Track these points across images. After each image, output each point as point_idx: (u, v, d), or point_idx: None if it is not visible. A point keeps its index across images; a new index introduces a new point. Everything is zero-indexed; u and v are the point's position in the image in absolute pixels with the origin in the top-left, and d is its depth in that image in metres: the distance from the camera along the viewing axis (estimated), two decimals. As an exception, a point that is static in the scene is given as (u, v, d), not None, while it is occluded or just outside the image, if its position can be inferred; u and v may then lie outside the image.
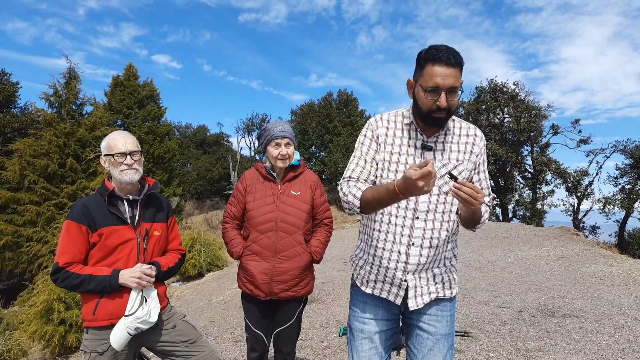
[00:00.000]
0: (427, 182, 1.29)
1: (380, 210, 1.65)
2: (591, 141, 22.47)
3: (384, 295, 1.71)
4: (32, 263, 10.45)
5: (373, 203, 1.52)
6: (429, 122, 1.59)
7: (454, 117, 1.71)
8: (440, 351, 1.70)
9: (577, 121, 22.91)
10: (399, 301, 1.69)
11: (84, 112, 12.89)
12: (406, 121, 1.69)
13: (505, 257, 8.06)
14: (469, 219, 1.59)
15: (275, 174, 2.49)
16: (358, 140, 1.76)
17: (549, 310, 4.50)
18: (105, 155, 2.05)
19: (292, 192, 2.46)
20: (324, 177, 29.22)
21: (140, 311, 1.96)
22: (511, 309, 4.61)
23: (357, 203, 1.58)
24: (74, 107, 12.36)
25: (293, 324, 2.48)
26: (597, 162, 22.27)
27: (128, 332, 1.92)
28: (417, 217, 1.63)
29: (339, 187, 1.72)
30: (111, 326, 1.95)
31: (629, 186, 21.09)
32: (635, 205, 20.55)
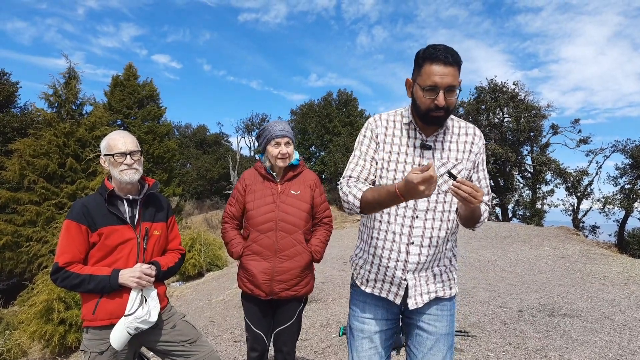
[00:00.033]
0: (428, 186, 1.30)
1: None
2: (591, 141, 22.50)
3: (383, 295, 1.71)
4: (32, 263, 10.45)
5: (373, 204, 1.53)
6: (427, 121, 1.60)
7: (452, 116, 1.72)
8: (440, 351, 1.71)
9: (576, 121, 22.93)
10: (398, 300, 1.69)
11: (84, 112, 12.91)
12: (405, 120, 1.70)
13: (505, 256, 8.06)
14: (469, 218, 1.59)
15: (274, 174, 2.49)
16: (357, 139, 1.77)
17: (548, 310, 4.50)
18: (105, 155, 2.05)
19: (292, 192, 2.46)
20: (323, 177, 29.22)
21: (140, 311, 1.96)
22: (511, 309, 4.61)
23: (357, 203, 1.58)
24: (73, 107, 12.36)
25: (293, 324, 2.48)
26: (597, 162, 22.30)
27: (128, 332, 1.92)
28: (417, 216, 1.63)
29: (339, 187, 1.72)
30: (111, 326, 1.94)
31: (628, 186, 21.10)
32: (635, 205, 20.56)
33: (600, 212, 21.60)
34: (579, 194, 22.34)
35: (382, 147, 1.69)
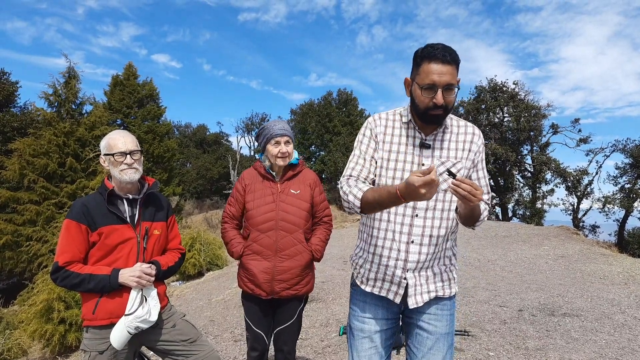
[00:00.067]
0: (429, 189, 1.31)
1: None
2: (591, 140, 22.49)
3: (383, 294, 1.71)
4: (32, 262, 10.46)
5: (373, 204, 1.54)
6: (426, 119, 1.60)
7: (452, 115, 1.73)
8: (440, 350, 1.71)
9: (576, 120, 22.93)
10: (398, 299, 1.69)
11: (84, 111, 12.91)
12: (404, 120, 1.70)
13: (505, 256, 8.06)
14: (468, 217, 1.59)
15: (274, 173, 2.49)
16: (357, 139, 1.77)
17: (548, 309, 4.50)
18: (105, 154, 2.05)
19: (292, 191, 2.46)
20: (323, 177, 29.21)
21: (140, 310, 1.96)
22: (511, 308, 4.61)
23: (358, 203, 1.59)
24: (73, 106, 12.36)
25: (294, 323, 2.48)
26: (597, 162, 22.31)
27: (128, 331, 1.92)
28: (417, 215, 1.64)
29: (339, 186, 1.72)
30: (111, 325, 1.94)
31: (628, 185, 21.10)
32: (635, 204, 20.56)
33: (600, 212, 21.61)
34: (579, 194, 22.34)
35: (382, 146, 1.69)
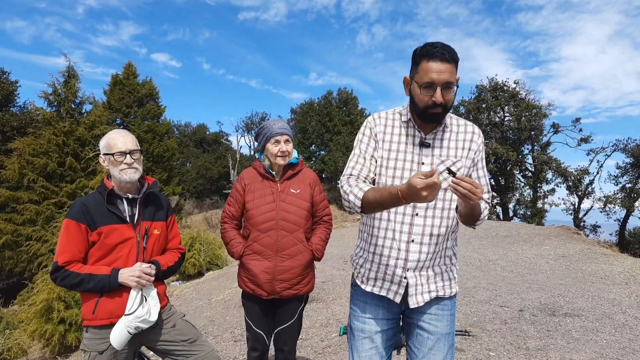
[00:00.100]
0: (430, 192, 1.31)
1: None
2: (592, 140, 22.51)
3: (383, 293, 1.71)
4: (32, 262, 10.46)
5: (374, 204, 1.54)
6: (425, 118, 1.60)
7: (451, 115, 1.73)
8: (441, 350, 1.70)
9: (577, 120, 22.94)
10: (398, 299, 1.68)
11: (83, 110, 12.90)
12: (404, 119, 1.70)
13: (505, 256, 8.05)
14: (469, 215, 1.59)
15: (274, 173, 2.48)
16: (357, 138, 1.77)
17: (549, 309, 4.49)
18: (105, 154, 2.04)
19: (292, 191, 2.45)
20: (324, 176, 29.22)
21: (140, 310, 1.95)
22: (512, 308, 4.60)
23: (358, 203, 1.58)
24: (73, 105, 12.36)
25: (294, 323, 2.48)
26: (598, 161, 22.30)
27: (128, 331, 1.92)
28: (417, 214, 1.63)
29: (339, 185, 1.72)
30: (111, 325, 1.94)
31: (629, 185, 21.09)
32: (636, 204, 20.56)
33: (601, 212, 21.61)
34: (579, 193, 22.34)
35: (381, 145, 1.69)
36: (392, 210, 1.65)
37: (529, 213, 22.65)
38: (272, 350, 2.61)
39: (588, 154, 22.49)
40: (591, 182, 22.17)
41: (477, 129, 1.73)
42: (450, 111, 1.68)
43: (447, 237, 1.69)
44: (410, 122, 1.68)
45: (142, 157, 2.12)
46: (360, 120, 30.55)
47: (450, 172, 1.44)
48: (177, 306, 5.89)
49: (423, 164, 1.65)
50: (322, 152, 31.21)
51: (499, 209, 24.00)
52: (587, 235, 18.37)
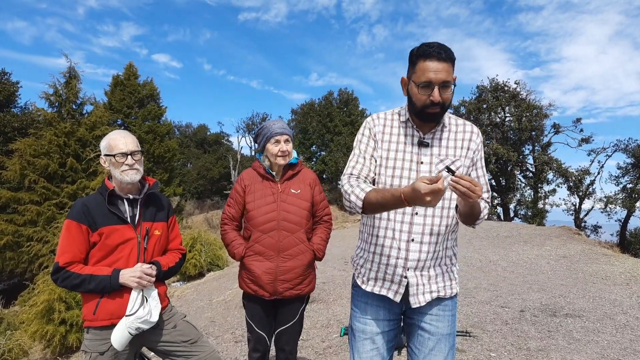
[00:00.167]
0: (434, 197, 1.32)
1: None
2: (592, 140, 22.49)
3: (383, 293, 1.71)
4: (33, 263, 10.45)
5: (376, 205, 1.54)
6: (423, 117, 1.61)
7: (450, 114, 1.73)
8: (442, 351, 1.70)
9: (578, 120, 22.92)
10: (398, 298, 1.68)
11: (84, 111, 12.91)
12: (402, 119, 1.71)
13: (506, 256, 8.05)
14: (468, 214, 1.59)
15: (274, 173, 2.48)
16: (356, 138, 1.78)
17: (550, 310, 4.49)
18: (106, 155, 2.04)
19: (292, 191, 2.45)
20: (324, 177, 29.22)
21: (141, 311, 1.95)
22: (513, 309, 4.60)
23: (360, 204, 1.59)
24: (74, 106, 12.36)
25: (296, 323, 2.48)
26: (599, 161, 22.28)
27: (129, 332, 1.92)
28: (416, 213, 1.63)
29: (340, 184, 1.72)
30: (112, 326, 1.94)
31: (630, 185, 21.06)
32: (637, 204, 20.53)
33: (602, 212, 21.59)
34: (580, 194, 22.31)
35: (381, 145, 1.70)
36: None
37: (529, 213, 22.63)
38: (272, 351, 2.61)
39: (589, 155, 22.49)
40: (592, 183, 22.16)
41: (475, 129, 1.74)
42: (451, 111, 1.69)
43: (447, 237, 1.69)
44: (409, 122, 1.69)
45: (143, 158, 2.12)
46: (361, 120, 30.54)
47: (449, 171, 1.44)
48: (178, 307, 5.90)
49: (422, 163, 1.65)
50: (323, 153, 31.21)
51: (499, 209, 23.98)
52: (588, 236, 18.35)
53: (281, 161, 2.43)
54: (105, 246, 1.97)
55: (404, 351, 3.44)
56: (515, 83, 23.36)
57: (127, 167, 2.00)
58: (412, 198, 1.36)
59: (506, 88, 23.30)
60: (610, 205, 21.11)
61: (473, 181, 1.38)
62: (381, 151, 1.70)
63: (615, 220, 21.55)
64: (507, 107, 23.40)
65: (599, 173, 22.11)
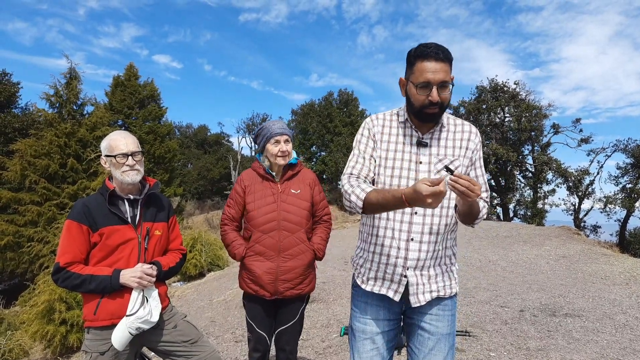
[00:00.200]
0: (435, 199, 1.33)
1: None
2: (592, 140, 22.47)
3: (383, 292, 1.71)
4: (34, 263, 10.46)
5: (376, 206, 1.55)
6: (422, 118, 1.62)
7: (448, 115, 1.74)
8: (442, 351, 1.71)
9: (578, 120, 22.90)
10: (397, 298, 1.69)
11: (85, 112, 12.91)
12: (401, 119, 1.73)
13: (506, 256, 8.05)
14: (467, 214, 1.60)
15: (274, 173, 2.49)
16: (355, 139, 1.79)
17: (550, 310, 4.49)
18: (107, 156, 2.04)
19: (292, 191, 2.46)
20: (324, 177, 29.23)
21: (142, 311, 1.96)
22: (512, 309, 4.60)
23: (360, 204, 1.59)
24: (74, 107, 12.36)
25: (296, 323, 2.49)
26: (598, 162, 22.27)
27: (129, 332, 1.92)
28: (416, 212, 1.64)
29: (340, 184, 1.74)
30: (112, 326, 1.94)
31: (630, 185, 21.06)
32: (637, 204, 20.53)
33: (601, 212, 21.59)
34: (580, 194, 22.31)
35: (380, 146, 1.72)
36: None
37: (529, 213, 22.62)
38: (272, 350, 2.62)
39: (588, 155, 22.49)
40: (591, 183, 22.16)
41: (474, 128, 1.75)
42: (450, 112, 1.70)
43: (446, 236, 1.70)
44: (408, 122, 1.70)
45: (143, 158, 2.13)
46: (361, 121, 30.54)
47: (448, 170, 1.46)
48: (178, 307, 5.90)
49: (421, 162, 1.67)
50: (323, 153, 31.22)
51: (499, 209, 23.98)
52: (588, 236, 18.36)
53: (281, 161, 2.44)
54: (105, 246, 1.97)
55: (403, 351, 3.46)
56: (514, 83, 23.37)
57: (127, 168, 2.01)
58: (413, 199, 1.37)
59: (506, 88, 23.30)
60: (609, 205, 21.12)
61: (472, 180, 1.39)
62: (380, 151, 1.71)
63: (615, 220, 21.56)
64: (506, 108, 23.40)
65: (598, 173, 22.13)
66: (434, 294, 1.70)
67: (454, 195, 1.61)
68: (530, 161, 23.75)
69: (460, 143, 1.70)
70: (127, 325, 1.92)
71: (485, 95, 23.59)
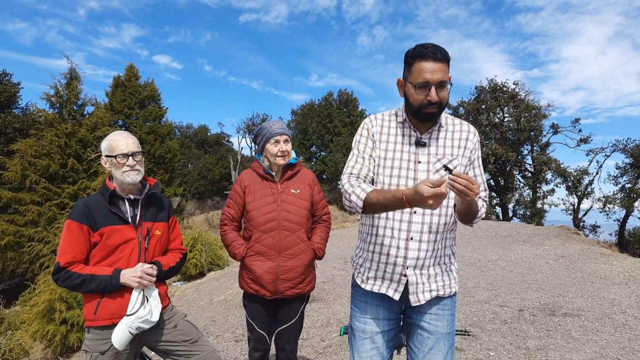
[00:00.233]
0: (436, 200, 1.34)
1: None
2: (591, 140, 22.52)
3: (383, 291, 1.72)
4: (34, 263, 10.46)
5: (377, 206, 1.56)
6: (421, 117, 1.63)
7: (447, 115, 1.76)
8: (441, 350, 1.71)
9: (577, 120, 22.93)
10: (397, 297, 1.70)
11: (85, 112, 12.90)
12: (399, 119, 1.74)
13: (505, 256, 8.06)
14: (466, 213, 1.61)
15: (273, 173, 2.50)
16: (355, 139, 1.81)
17: (549, 309, 4.50)
18: (107, 156, 2.05)
19: (292, 191, 2.47)
20: (324, 177, 29.22)
21: (142, 311, 1.96)
22: (511, 308, 4.61)
23: (360, 204, 1.60)
24: (75, 107, 12.36)
25: (296, 322, 2.50)
26: (597, 161, 22.31)
27: (130, 332, 1.93)
28: (415, 211, 1.65)
29: (340, 184, 1.75)
30: (113, 326, 1.95)
31: (629, 185, 21.09)
32: (636, 204, 20.55)
33: (600, 212, 21.61)
34: (579, 194, 22.33)
35: (378, 146, 1.73)
36: None
37: (528, 213, 22.64)
38: (272, 350, 2.63)
39: (587, 155, 22.52)
40: (591, 183, 22.19)
41: (472, 128, 1.76)
42: (450, 112, 1.71)
43: (445, 235, 1.71)
44: (406, 122, 1.71)
45: (144, 158, 2.13)
46: (361, 121, 30.43)
47: (447, 169, 1.47)
48: (178, 306, 5.90)
49: (420, 162, 1.68)
50: (323, 153, 31.20)
51: (498, 209, 23.99)
52: (587, 236, 18.36)
53: (281, 161, 2.45)
54: (106, 246, 1.98)
55: (403, 350, 3.47)
56: (514, 84, 23.40)
57: (128, 168, 2.01)
58: (415, 200, 1.38)
59: (505, 89, 23.31)
60: (608, 205, 21.14)
61: (470, 179, 1.40)
62: (379, 151, 1.72)
63: (614, 220, 21.58)
64: (505, 108, 23.41)
65: (597, 173, 22.17)
66: (434, 293, 1.70)
67: (453, 194, 1.62)
68: (529, 161, 23.80)
69: (458, 142, 1.71)
70: (127, 324, 1.92)
71: (485, 95, 23.60)
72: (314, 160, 31.29)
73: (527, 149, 23.87)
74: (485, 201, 1.75)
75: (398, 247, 1.66)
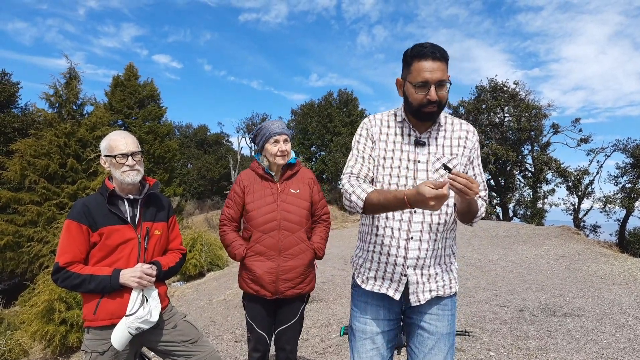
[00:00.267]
0: (438, 202, 1.33)
1: None
2: (592, 140, 22.52)
3: (383, 291, 1.72)
4: (33, 263, 10.45)
5: (377, 206, 1.55)
6: (420, 117, 1.63)
7: (446, 114, 1.76)
8: (441, 350, 1.71)
9: (577, 120, 22.94)
10: (397, 296, 1.69)
11: (85, 112, 12.89)
12: (398, 119, 1.74)
13: (505, 256, 8.06)
14: (465, 212, 1.60)
15: (273, 173, 2.49)
16: (354, 139, 1.81)
17: (549, 310, 4.50)
18: (106, 156, 2.04)
19: (292, 191, 2.46)
20: (324, 177, 29.23)
21: (141, 311, 1.96)
22: (512, 308, 4.61)
23: (361, 204, 1.60)
24: (74, 107, 12.35)
25: (296, 322, 2.49)
26: (598, 161, 22.31)
27: (129, 332, 1.92)
28: (415, 211, 1.65)
29: (340, 184, 1.75)
30: (112, 326, 1.95)
31: (629, 185, 21.09)
32: (636, 204, 20.56)
33: (601, 212, 21.61)
34: (579, 193, 22.33)
35: (378, 145, 1.73)
36: None
37: (528, 213, 22.64)
38: (272, 350, 2.62)
39: (588, 154, 22.52)
40: (591, 182, 22.19)
41: (471, 127, 1.76)
42: (450, 112, 1.71)
43: (445, 235, 1.70)
44: (405, 122, 1.71)
45: (143, 158, 2.13)
46: (360, 121, 30.43)
47: (446, 168, 1.47)
48: (178, 307, 5.90)
49: (419, 161, 1.67)
50: (323, 153, 31.20)
51: (498, 209, 23.99)
52: (587, 236, 18.37)
53: (280, 161, 2.44)
54: (105, 246, 1.98)
55: (403, 350, 3.46)
56: (514, 83, 23.40)
57: (127, 168, 2.01)
58: (416, 201, 1.38)
59: (505, 88, 23.32)
60: (609, 205, 21.14)
61: (470, 178, 1.39)
62: (379, 151, 1.72)
63: (614, 220, 21.58)
64: (506, 108, 23.42)
65: (598, 173, 22.16)
66: (434, 293, 1.70)
67: (453, 193, 1.61)
68: (529, 161, 23.80)
69: (458, 142, 1.70)
70: (126, 325, 1.92)
71: (485, 95, 23.61)
72: (314, 160, 31.29)
73: (527, 149, 23.88)
74: (485, 200, 1.75)
75: (398, 247, 1.66)
